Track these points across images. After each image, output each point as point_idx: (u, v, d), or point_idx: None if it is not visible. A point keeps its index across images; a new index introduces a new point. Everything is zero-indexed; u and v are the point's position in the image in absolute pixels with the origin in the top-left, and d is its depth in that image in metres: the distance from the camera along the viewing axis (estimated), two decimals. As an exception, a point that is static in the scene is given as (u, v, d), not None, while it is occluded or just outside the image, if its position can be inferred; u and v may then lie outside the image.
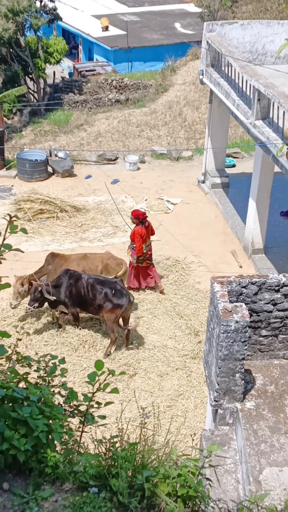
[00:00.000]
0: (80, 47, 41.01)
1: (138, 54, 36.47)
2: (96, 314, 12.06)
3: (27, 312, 12.07)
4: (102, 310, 11.58)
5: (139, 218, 13.15)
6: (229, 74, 15.48)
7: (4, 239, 4.40)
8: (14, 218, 4.54)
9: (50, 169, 19.67)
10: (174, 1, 46.99)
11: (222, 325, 6.89)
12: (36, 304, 11.83)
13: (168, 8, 44.47)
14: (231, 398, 7.34)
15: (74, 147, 22.76)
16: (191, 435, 6.51)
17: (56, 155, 19.71)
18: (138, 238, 13.02)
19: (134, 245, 13.09)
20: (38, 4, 30.01)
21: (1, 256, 4.38)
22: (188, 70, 29.75)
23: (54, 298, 11.81)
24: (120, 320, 11.70)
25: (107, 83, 31.33)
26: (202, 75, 17.38)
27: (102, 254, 13.16)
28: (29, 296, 12.04)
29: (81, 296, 11.74)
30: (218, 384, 7.23)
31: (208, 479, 3.94)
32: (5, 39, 27.23)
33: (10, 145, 23.36)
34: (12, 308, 12.34)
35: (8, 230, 4.44)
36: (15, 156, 19.84)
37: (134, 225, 13.30)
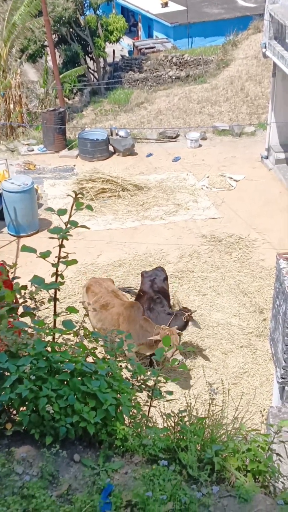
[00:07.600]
0: (140, 24, 40.73)
1: (198, 30, 35.90)
2: None
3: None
4: None
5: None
6: (293, 46, 15.06)
7: (70, 216, 4.43)
8: (79, 195, 4.57)
9: (111, 148, 19.72)
10: (234, -26, 45.96)
11: (289, 301, 6.78)
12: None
13: (229, -19, 43.54)
14: (298, 375, 7.24)
15: (135, 125, 22.72)
16: (260, 411, 6.46)
17: (117, 134, 19.73)
18: None
19: None
20: (97, -18, 29.94)
21: (68, 233, 4.42)
22: (250, 44, 29.08)
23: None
24: None
25: (167, 60, 31.03)
26: (265, 48, 16.94)
27: (104, 281, 11.53)
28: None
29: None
30: (285, 361, 7.13)
31: (278, 454, 3.90)
32: (65, 19, 27.34)
33: (72, 125, 23.52)
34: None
35: (74, 207, 4.47)
36: (77, 136, 19.97)
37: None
